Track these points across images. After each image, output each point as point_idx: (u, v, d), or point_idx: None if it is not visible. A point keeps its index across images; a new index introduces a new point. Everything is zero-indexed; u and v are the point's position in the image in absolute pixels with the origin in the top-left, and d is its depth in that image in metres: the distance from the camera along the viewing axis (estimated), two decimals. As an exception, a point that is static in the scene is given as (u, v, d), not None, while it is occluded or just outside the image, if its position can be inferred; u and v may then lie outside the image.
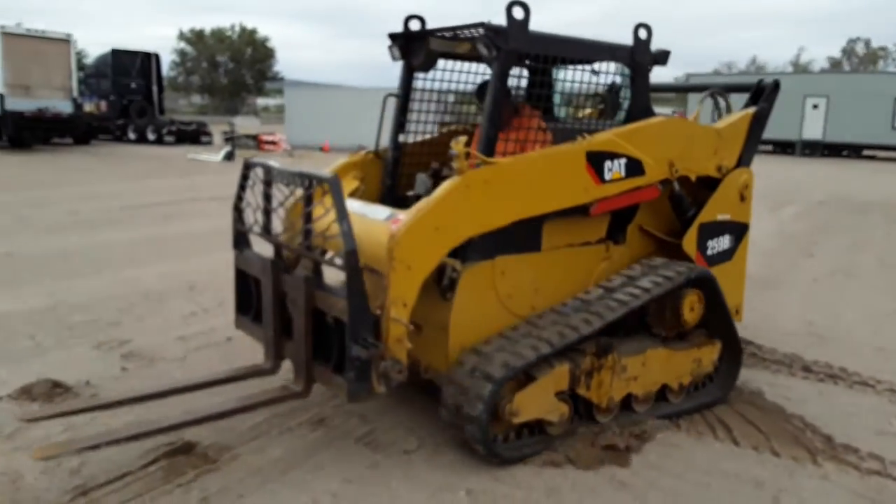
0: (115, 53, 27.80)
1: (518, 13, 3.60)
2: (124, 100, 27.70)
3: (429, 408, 3.96)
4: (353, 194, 4.32)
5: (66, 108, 22.03)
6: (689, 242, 4.44)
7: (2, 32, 20.40)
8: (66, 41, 22.25)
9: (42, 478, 3.25)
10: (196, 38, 65.11)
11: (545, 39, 3.80)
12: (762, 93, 4.84)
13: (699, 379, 4.31)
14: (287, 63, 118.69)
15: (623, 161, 3.93)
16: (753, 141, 4.73)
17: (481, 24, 3.66)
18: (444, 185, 3.41)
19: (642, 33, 4.12)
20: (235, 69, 66.21)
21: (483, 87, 4.23)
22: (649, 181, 4.10)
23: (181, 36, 65.26)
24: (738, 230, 4.74)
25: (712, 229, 4.54)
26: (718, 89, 5.04)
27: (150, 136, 27.54)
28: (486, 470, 3.49)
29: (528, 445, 3.65)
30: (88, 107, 23.24)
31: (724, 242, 4.65)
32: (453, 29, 3.91)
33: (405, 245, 3.23)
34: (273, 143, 26.71)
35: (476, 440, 3.41)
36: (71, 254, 7.87)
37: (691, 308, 4.09)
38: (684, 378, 4.19)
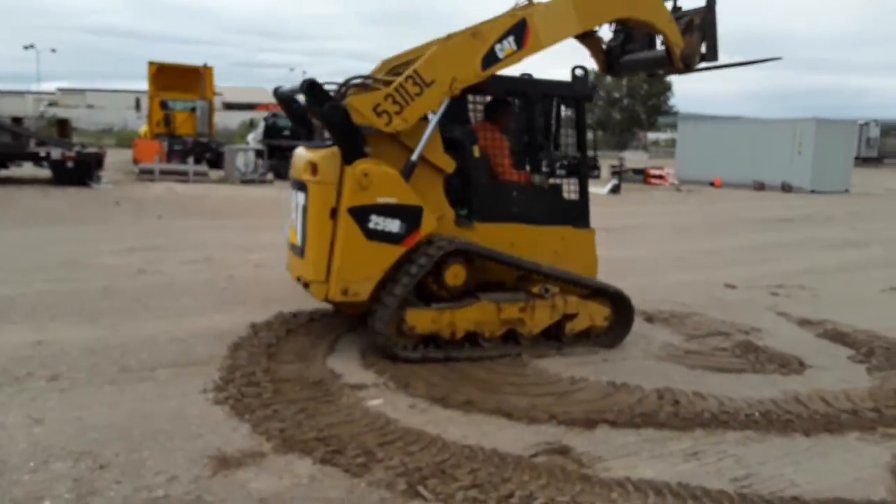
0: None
1: None
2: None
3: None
4: None
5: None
6: None
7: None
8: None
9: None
10: (597, 79, 68.39)
11: None
12: None
13: None
14: (683, 96, 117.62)
15: None
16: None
17: None
18: None
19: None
20: (630, 105, 67.70)
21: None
22: None
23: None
24: None
25: None
26: None
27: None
28: None
29: None
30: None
31: None
32: None
33: None
34: (660, 177, 26.67)
35: None
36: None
37: None
38: None
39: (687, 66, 6.08)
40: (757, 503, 3.39)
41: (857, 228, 15.11)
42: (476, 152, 5.48)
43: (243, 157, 21.21)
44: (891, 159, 49.22)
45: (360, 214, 5.00)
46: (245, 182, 20.43)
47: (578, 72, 5.77)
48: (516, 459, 3.70)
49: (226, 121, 45.00)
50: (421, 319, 5.15)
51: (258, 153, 21.76)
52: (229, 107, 55.92)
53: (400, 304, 5.07)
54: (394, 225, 5.04)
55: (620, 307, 5.82)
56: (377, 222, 5.02)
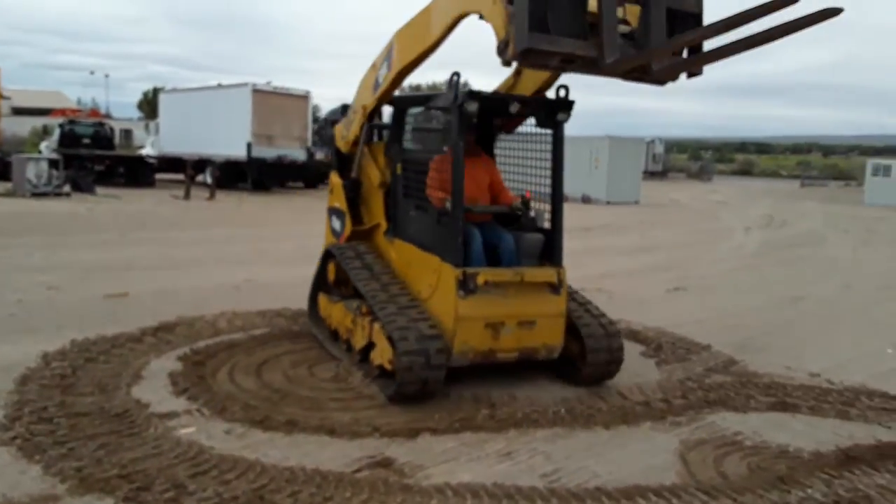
0: (345, 108, 30.73)
1: None
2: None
3: (631, 456, 3.94)
4: None
5: (300, 156, 24.68)
6: None
7: (252, 89, 23.52)
8: (305, 97, 25.09)
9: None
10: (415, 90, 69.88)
11: None
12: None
13: None
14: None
15: None
16: None
17: None
18: None
19: None
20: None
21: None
22: None
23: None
24: None
25: None
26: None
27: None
28: None
29: None
30: (319, 155, 25.81)
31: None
32: None
33: None
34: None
35: None
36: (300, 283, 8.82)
37: None
38: None
39: (503, 61, 4.03)
40: (565, 497, 3.64)
41: (645, 235, 16.76)
42: (398, 170, 5.66)
43: (35, 168, 19.14)
44: (674, 173, 55.11)
45: (330, 213, 6.63)
46: (37, 195, 18.47)
47: (455, 78, 4.80)
48: (338, 476, 3.67)
49: (15, 127, 40.34)
50: (323, 305, 6.25)
51: (53, 163, 19.76)
52: (19, 112, 50.26)
53: (315, 288, 6.46)
54: (338, 224, 6.44)
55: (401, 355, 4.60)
56: (334, 220, 6.52)
